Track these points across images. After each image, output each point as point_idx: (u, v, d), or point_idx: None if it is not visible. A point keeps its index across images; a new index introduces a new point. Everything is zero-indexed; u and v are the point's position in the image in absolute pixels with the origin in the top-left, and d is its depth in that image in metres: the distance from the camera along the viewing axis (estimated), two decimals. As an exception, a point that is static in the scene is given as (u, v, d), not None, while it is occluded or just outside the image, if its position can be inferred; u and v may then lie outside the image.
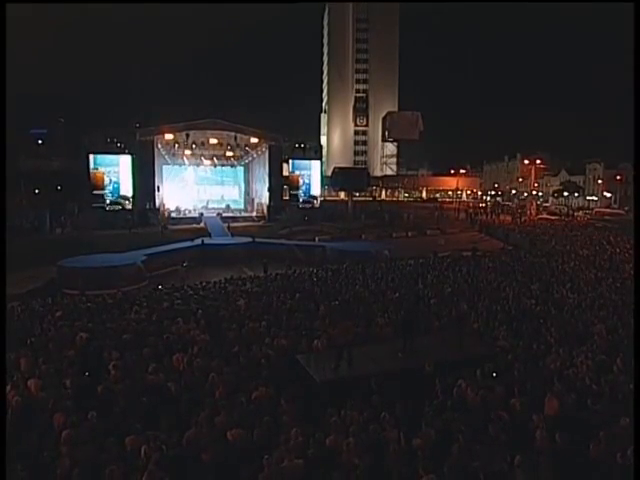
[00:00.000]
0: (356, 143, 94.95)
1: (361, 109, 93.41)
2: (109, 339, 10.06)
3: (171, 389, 7.51)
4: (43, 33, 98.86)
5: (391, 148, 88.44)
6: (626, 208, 60.05)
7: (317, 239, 34.51)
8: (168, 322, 11.30)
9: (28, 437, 5.99)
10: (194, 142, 44.12)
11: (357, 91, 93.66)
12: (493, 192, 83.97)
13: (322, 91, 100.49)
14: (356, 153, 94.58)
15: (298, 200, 47.53)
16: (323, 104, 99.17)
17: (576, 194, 75.28)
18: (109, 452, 5.59)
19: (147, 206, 40.94)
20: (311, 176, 49.01)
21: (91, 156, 40.38)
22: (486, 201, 75.32)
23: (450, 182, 76.12)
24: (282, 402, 6.87)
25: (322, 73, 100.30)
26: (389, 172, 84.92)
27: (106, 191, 40.49)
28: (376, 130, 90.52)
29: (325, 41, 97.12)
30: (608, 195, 72.35)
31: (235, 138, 44.83)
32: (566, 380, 7.48)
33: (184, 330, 10.62)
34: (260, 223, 43.57)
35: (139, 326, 11.09)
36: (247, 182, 52.07)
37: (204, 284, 17.07)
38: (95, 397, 7.14)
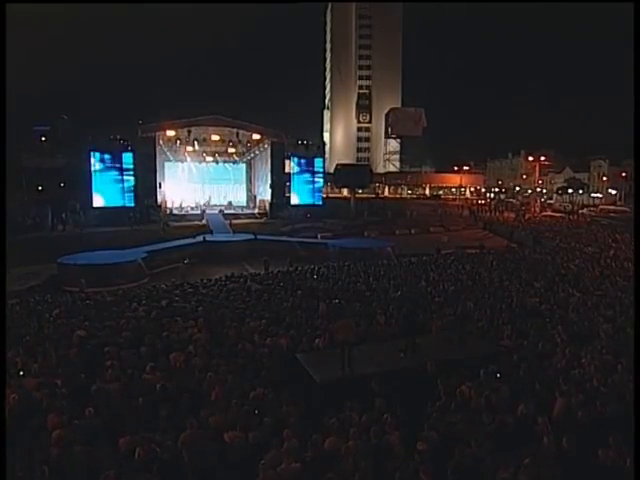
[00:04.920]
0: (359, 140, 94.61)
1: (364, 105, 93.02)
2: (107, 337, 9.94)
3: (168, 389, 7.36)
4: (45, 31, 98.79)
5: (394, 145, 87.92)
6: (631, 205, 59.50)
7: (319, 236, 34.35)
8: (167, 320, 11.17)
9: (21, 438, 5.85)
10: (195, 138, 43.93)
11: (360, 87, 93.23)
12: (497, 189, 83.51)
13: (325, 88, 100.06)
14: (359, 150, 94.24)
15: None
16: (326, 101, 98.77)
17: (580, 191, 74.73)
18: (102, 453, 5.46)
19: (148, 203, 40.80)
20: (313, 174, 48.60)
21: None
22: (489, 198, 74.91)
23: (453, 179, 75.68)
24: (281, 403, 6.71)
25: (325, 70, 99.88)
26: (392, 169, 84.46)
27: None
28: (379, 127, 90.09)
29: (328, 37, 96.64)
30: (613, 192, 71.78)
31: (237, 134, 44.58)
32: (572, 381, 7.28)
33: (183, 328, 10.48)
34: (262, 220, 43.45)
35: (138, 324, 10.97)
36: (249, 179, 51.87)
37: (204, 281, 16.93)
38: (90, 397, 7.01)
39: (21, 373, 7.88)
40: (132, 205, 40.06)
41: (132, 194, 40.36)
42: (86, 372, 7.96)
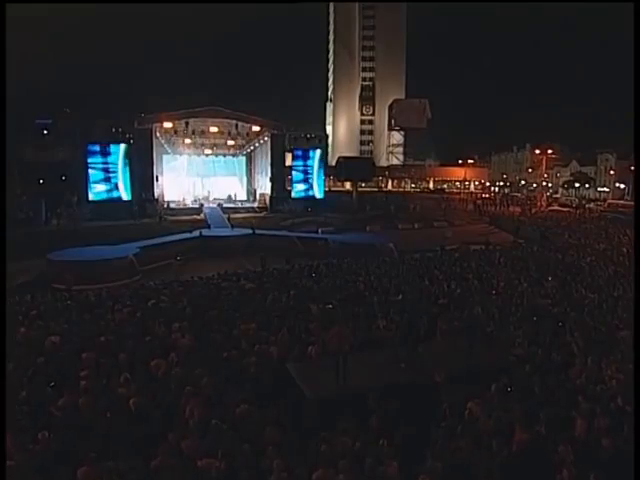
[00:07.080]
0: (362, 132, 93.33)
1: (367, 98, 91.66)
2: (84, 342, 9.17)
3: (141, 405, 6.60)
4: (46, 27, 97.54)
5: (397, 137, 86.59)
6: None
7: (320, 231, 33.51)
8: (151, 323, 10.41)
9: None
10: (194, 131, 43.07)
11: (363, 79, 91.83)
12: (502, 183, 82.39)
13: (327, 80, 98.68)
14: (362, 143, 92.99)
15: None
16: (329, 93, 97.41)
17: (587, 185, 73.45)
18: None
19: (145, 196, 39.95)
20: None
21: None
22: (494, 192, 73.80)
23: (458, 172, 74.42)
24: (265, 424, 5.94)
25: (328, 62, 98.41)
26: (395, 162, 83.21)
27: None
28: (382, 119, 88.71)
29: (331, 28, 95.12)
30: (621, 186, 70.51)
31: (236, 126, 43.58)
32: (594, 399, 6.47)
33: (167, 332, 9.71)
34: (262, 214, 42.59)
35: (119, 327, 10.22)
36: (249, 172, 51.02)
37: (196, 279, 16.17)
38: (52, 415, 6.26)
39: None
40: (128, 199, 39.22)
41: (128, 187, 39.48)
42: (55, 384, 7.22)
